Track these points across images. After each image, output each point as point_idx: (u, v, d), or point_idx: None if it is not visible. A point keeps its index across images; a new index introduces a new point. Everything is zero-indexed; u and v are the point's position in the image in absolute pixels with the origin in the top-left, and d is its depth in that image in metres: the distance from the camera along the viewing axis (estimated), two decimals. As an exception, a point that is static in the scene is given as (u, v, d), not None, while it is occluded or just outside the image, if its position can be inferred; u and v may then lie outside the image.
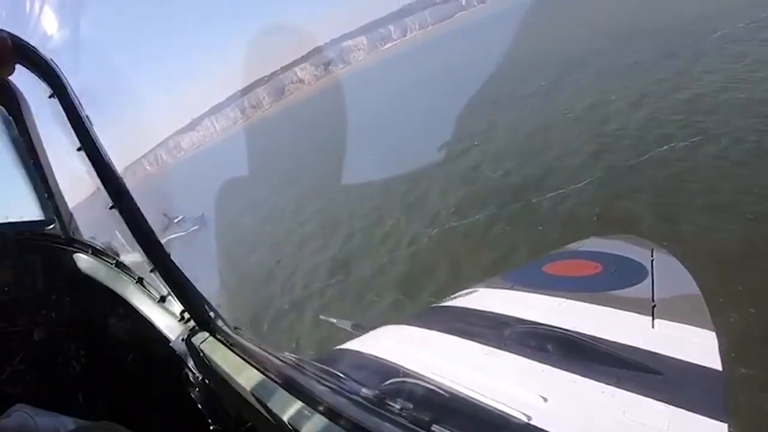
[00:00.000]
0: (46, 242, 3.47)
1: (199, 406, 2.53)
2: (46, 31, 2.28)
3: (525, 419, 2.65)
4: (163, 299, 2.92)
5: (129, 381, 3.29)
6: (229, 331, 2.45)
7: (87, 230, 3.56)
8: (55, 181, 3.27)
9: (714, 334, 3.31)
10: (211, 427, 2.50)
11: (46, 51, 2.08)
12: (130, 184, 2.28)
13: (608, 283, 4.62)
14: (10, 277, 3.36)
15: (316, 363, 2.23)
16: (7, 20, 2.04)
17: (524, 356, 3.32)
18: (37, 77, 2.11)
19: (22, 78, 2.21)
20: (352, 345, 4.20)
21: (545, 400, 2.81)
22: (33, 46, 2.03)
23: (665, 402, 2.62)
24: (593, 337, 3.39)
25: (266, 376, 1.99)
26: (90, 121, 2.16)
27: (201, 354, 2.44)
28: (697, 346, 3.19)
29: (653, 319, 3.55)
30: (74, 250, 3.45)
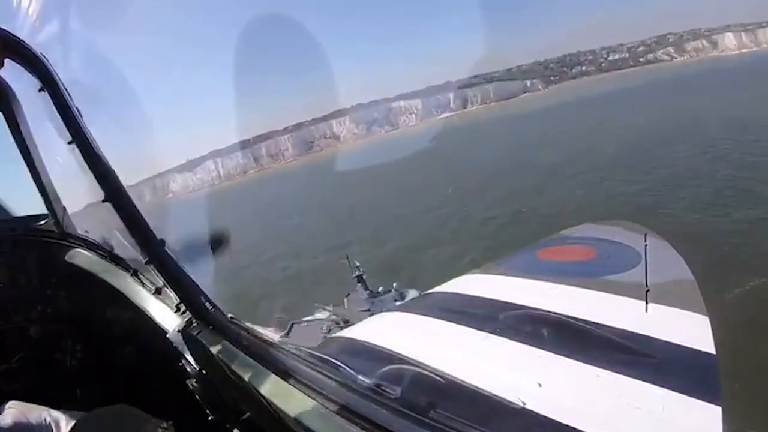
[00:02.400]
0: (40, 237, 3.45)
1: (197, 396, 2.53)
2: (35, 24, 2.25)
3: (520, 404, 2.68)
4: (158, 291, 2.91)
5: (126, 373, 3.29)
6: (225, 322, 2.44)
7: (81, 224, 3.53)
8: (47, 175, 3.24)
9: (707, 318, 3.34)
10: (210, 418, 2.50)
11: (35, 45, 2.05)
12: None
13: (602, 268, 4.65)
14: (4, 274, 3.34)
15: (311, 351, 2.24)
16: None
17: (519, 341, 3.35)
18: (26, 71, 2.08)
19: (11, 72, 2.18)
20: (347, 333, 4.22)
21: (540, 384, 2.83)
22: (22, 40, 2.00)
23: (659, 385, 2.65)
24: (588, 321, 3.41)
25: (262, 365, 2.00)
26: (81, 114, 2.13)
27: (198, 345, 2.44)
28: (691, 330, 3.22)
29: (647, 304, 3.58)
30: (68, 244, 3.42)
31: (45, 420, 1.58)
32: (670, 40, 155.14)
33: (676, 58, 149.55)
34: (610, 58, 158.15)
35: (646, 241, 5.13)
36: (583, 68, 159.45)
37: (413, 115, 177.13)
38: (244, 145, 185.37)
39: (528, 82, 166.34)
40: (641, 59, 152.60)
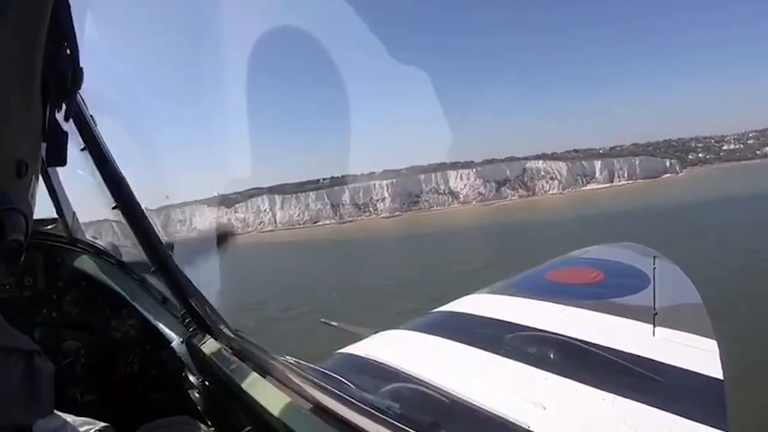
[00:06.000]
0: (48, 241, 3.47)
1: (199, 407, 2.53)
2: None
3: (524, 426, 2.64)
4: (164, 300, 2.92)
5: (129, 381, 3.29)
6: (230, 334, 2.44)
7: (90, 230, 3.55)
8: (58, 180, 3.26)
9: (715, 342, 3.30)
10: (211, 429, 2.49)
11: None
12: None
13: (610, 290, 4.62)
14: (11, 276, 3.35)
15: (316, 366, 2.22)
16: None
17: (525, 363, 3.31)
18: None
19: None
20: (352, 349, 4.19)
21: (544, 407, 2.80)
22: None
23: (666, 410, 2.61)
24: (594, 344, 3.38)
25: (266, 379, 1.99)
26: (94, 121, 2.15)
27: (201, 356, 2.44)
28: (698, 354, 3.18)
29: (654, 327, 3.55)
30: (76, 249, 3.44)
31: (52, 424, 1.57)
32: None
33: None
34: (725, 147, 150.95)
35: (654, 263, 5.10)
36: (699, 155, 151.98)
37: (555, 181, 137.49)
38: (314, 185, 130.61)
39: (667, 162, 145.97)
40: (758, 152, 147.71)
